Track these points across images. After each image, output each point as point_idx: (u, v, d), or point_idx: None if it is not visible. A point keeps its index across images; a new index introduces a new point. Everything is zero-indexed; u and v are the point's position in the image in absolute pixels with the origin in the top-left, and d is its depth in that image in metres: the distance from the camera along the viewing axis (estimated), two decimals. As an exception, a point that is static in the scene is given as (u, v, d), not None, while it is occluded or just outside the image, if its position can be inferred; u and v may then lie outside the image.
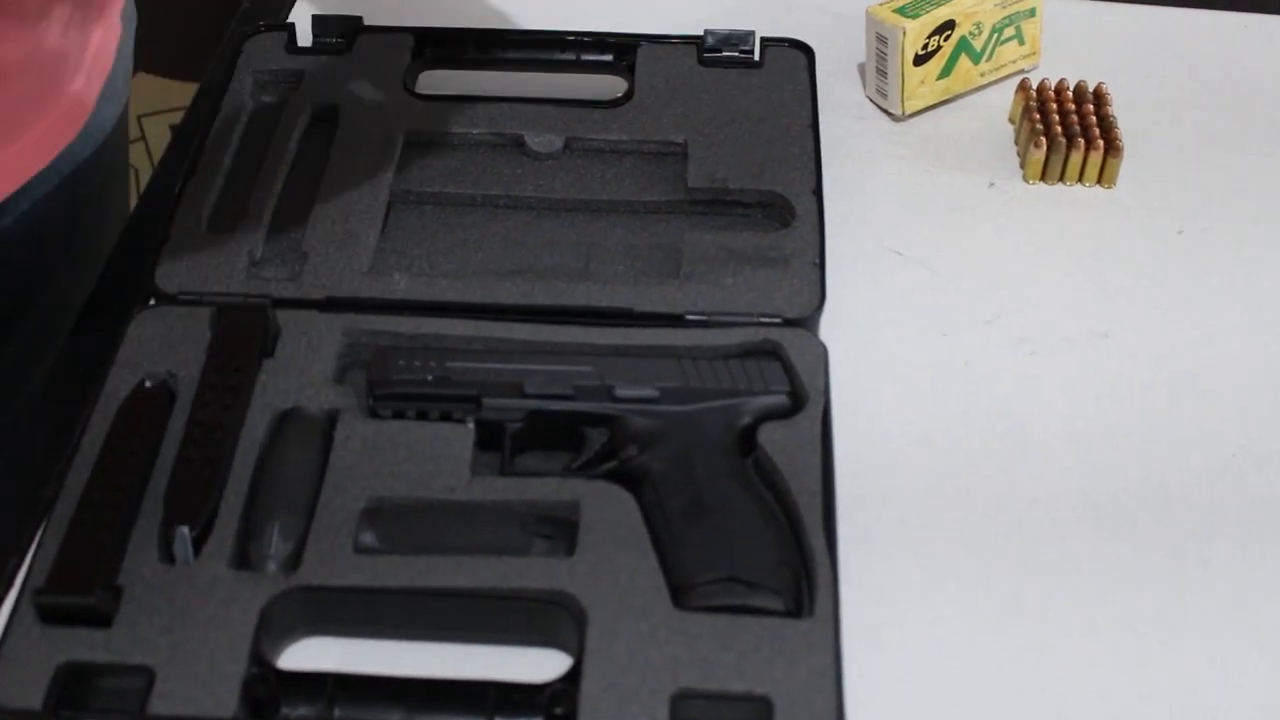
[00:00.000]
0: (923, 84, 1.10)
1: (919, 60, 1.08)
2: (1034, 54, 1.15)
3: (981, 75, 1.13)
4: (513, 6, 1.21)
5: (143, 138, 1.71)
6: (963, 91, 1.13)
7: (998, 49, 1.12)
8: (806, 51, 1.10)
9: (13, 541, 0.81)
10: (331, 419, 0.85)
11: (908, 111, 1.10)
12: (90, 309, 0.98)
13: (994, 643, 0.79)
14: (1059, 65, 1.15)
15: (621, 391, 0.85)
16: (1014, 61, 1.14)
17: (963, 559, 0.83)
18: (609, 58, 1.10)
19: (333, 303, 0.91)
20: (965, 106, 1.13)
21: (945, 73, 1.10)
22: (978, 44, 1.11)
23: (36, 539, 0.80)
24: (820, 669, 0.74)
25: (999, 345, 0.95)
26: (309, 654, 0.78)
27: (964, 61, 1.11)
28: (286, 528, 0.79)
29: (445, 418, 0.85)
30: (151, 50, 1.41)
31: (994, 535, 0.84)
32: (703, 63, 1.09)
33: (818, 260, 0.94)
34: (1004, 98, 1.13)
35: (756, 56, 1.09)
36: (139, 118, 1.55)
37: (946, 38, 1.09)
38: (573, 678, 0.74)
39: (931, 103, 1.11)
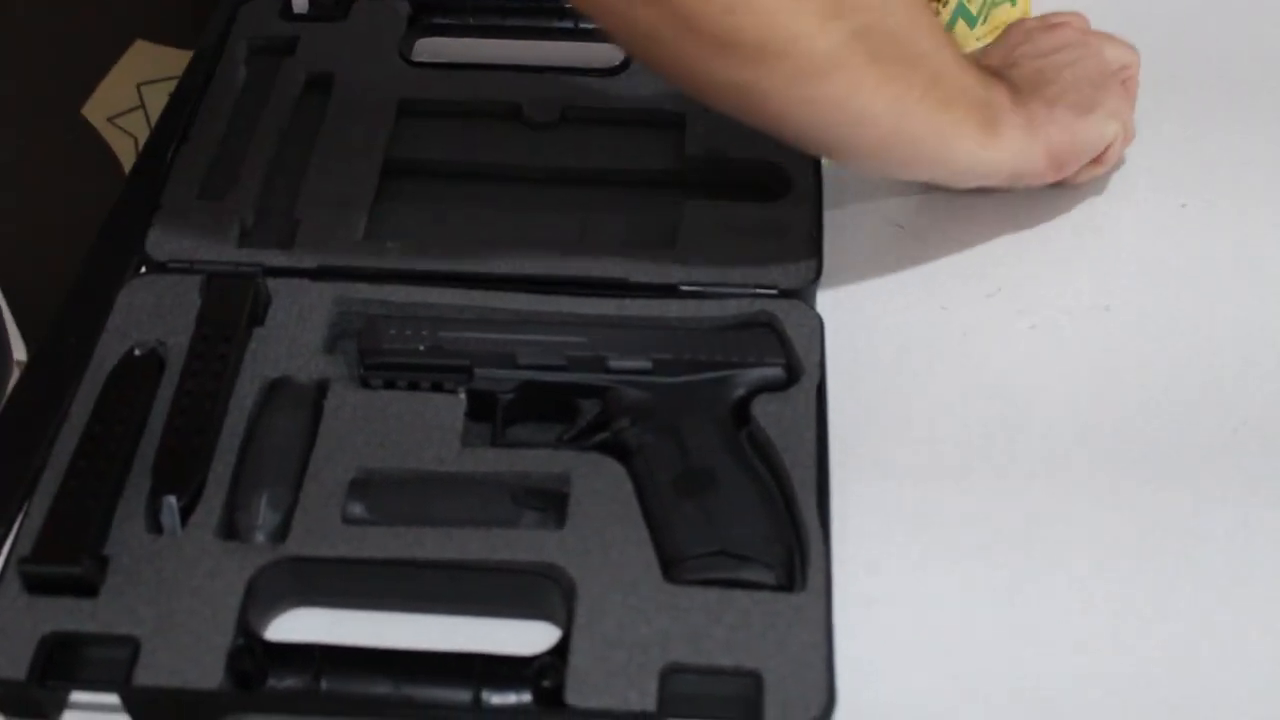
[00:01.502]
0: (924, 53, 1.08)
1: (922, 28, 1.07)
2: (1025, 16, 1.13)
3: (977, 39, 1.12)
4: (511, -26, 1.20)
5: (142, 106, 1.70)
6: (960, 56, 1.12)
7: (992, 11, 1.11)
8: (807, 20, 1.08)
9: (-1, 510, 0.80)
10: (322, 388, 0.84)
11: (909, 80, 1.09)
12: (82, 276, 0.97)
13: (989, 618, 0.78)
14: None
15: (614, 363, 0.84)
16: (1006, 22, 1.13)
17: (958, 534, 0.82)
18: (607, 26, 1.08)
19: (325, 271, 0.90)
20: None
21: (945, 39, 1.09)
22: (973, 7, 1.10)
23: (23, 508, 0.79)
24: (811, 643, 0.73)
25: (999, 319, 0.94)
26: (296, 625, 0.77)
27: (961, 26, 1.10)
28: (275, 498, 0.78)
29: (437, 388, 0.84)
30: (151, 18, 1.40)
31: (990, 510, 0.83)
32: (702, 31, 1.07)
33: (815, 231, 0.93)
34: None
35: (757, 25, 1.07)
36: (138, 86, 1.54)
37: (944, 3, 1.07)
38: (561, 651, 0.73)
39: (932, 70, 1.10)
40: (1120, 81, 0.99)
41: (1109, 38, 1.02)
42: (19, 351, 1.35)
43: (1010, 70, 0.96)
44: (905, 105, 0.84)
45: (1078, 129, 0.94)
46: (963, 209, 1.01)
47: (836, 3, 0.79)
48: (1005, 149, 0.91)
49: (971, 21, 1.10)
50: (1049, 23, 1.03)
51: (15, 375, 1.12)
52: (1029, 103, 0.93)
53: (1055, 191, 1.02)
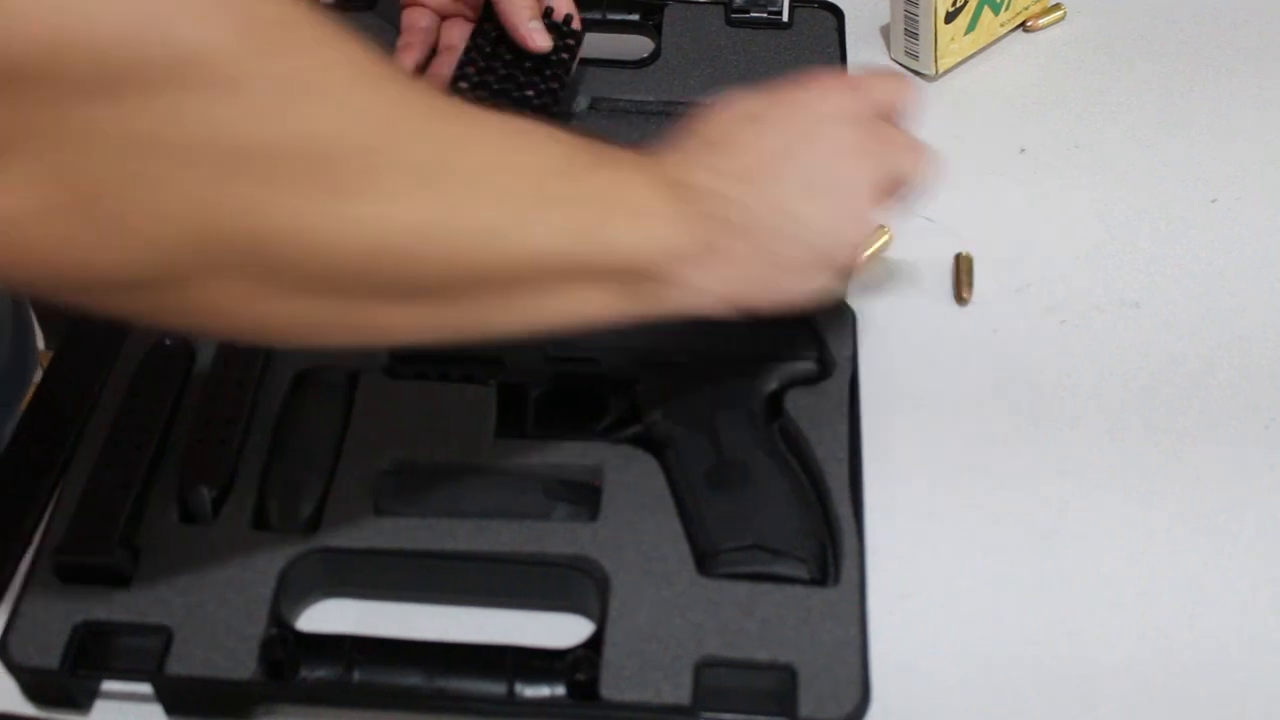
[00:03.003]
0: (953, 41, 1.08)
1: (950, 17, 1.06)
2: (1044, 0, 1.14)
3: (1002, 26, 1.12)
4: (538, -35, 1.19)
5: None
6: (986, 44, 1.12)
7: (1014, -1, 1.12)
8: (836, 13, 1.08)
9: (31, 500, 0.80)
10: (352, 379, 0.84)
11: (941, 70, 1.09)
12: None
13: (1022, 612, 0.78)
14: (1084, 18, 1.14)
15: (646, 355, 0.84)
16: (1027, 8, 1.13)
17: (991, 528, 0.81)
18: (635, 17, 1.08)
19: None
20: (988, 62, 1.12)
21: (971, 27, 1.09)
22: (998, -9, 1.10)
23: (55, 497, 0.79)
24: (845, 638, 0.73)
25: (1028, 314, 0.93)
26: (328, 615, 0.77)
27: (986, 13, 1.10)
28: (306, 488, 0.78)
29: (467, 379, 0.84)
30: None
31: (1022, 505, 0.83)
32: (730, 23, 1.07)
33: (846, 225, 0.92)
34: (1024, 50, 1.12)
35: (785, 17, 1.07)
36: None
37: (968, -13, 1.08)
38: (594, 644, 0.73)
39: (961, 59, 1.10)
40: (886, 138, 0.78)
41: (865, 79, 0.81)
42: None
43: (702, 190, 0.71)
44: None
45: (784, 288, 0.75)
46: (992, 202, 1.00)
47: None
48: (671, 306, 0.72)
49: (996, 8, 1.10)
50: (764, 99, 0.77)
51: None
52: (716, 249, 0.71)
53: (1086, 187, 1.02)
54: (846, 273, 0.77)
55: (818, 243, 0.74)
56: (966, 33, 1.09)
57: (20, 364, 1.08)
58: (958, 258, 0.95)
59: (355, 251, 0.59)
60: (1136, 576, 0.80)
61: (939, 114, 1.07)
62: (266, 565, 0.75)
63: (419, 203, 0.60)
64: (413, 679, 0.73)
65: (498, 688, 0.72)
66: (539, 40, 0.93)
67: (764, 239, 0.72)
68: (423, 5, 1.01)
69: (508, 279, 0.65)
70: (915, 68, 1.10)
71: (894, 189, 0.78)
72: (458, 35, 1.01)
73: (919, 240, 0.97)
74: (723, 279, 0.72)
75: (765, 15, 1.07)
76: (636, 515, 0.78)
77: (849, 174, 0.75)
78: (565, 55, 0.98)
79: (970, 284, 0.94)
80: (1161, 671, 0.76)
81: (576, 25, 0.98)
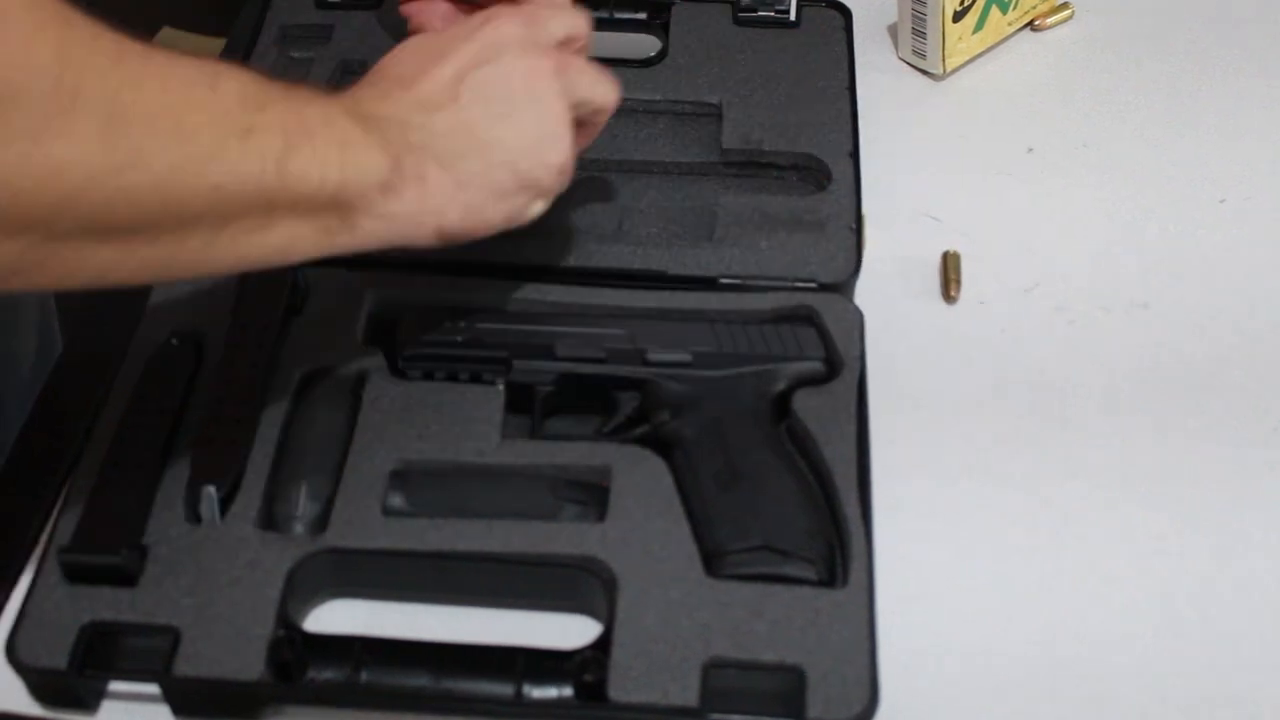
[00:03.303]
0: (960, 40, 1.08)
1: (957, 16, 1.06)
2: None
3: (1009, 25, 1.12)
4: (544, -37, 1.19)
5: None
6: (994, 43, 1.11)
7: (1022, -5, 1.11)
8: (844, 12, 1.08)
9: (38, 499, 0.80)
10: (360, 379, 0.84)
11: (949, 69, 1.08)
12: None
13: (1030, 615, 0.78)
14: (1092, 17, 1.14)
15: (654, 355, 0.84)
16: (1035, 7, 1.13)
17: (998, 529, 0.81)
18: (642, 16, 1.08)
19: (362, 261, 0.89)
20: (996, 61, 1.11)
21: (979, 26, 1.09)
22: (1005, -10, 1.10)
23: (62, 496, 0.79)
24: (853, 639, 0.73)
25: (1036, 314, 0.93)
26: (336, 616, 0.77)
27: (994, 12, 1.09)
28: (314, 489, 0.78)
29: (475, 379, 0.84)
30: (178, 5, 1.39)
31: (1030, 507, 0.83)
32: (738, 22, 1.07)
33: (854, 224, 0.92)
34: (1032, 50, 1.12)
35: (792, 16, 1.07)
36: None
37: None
38: (602, 645, 0.73)
39: (968, 58, 1.10)
40: (567, 63, 0.80)
41: (541, 10, 0.82)
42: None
43: (390, 119, 0.73)
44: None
45: (489, 213, 0.76)
46: (999, 202, 1.00)
47: None
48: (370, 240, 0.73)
49: (1004, 7, 1.10)
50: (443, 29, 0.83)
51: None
52: (412, 176, 0.72)
53: (1094, 186, 1.01)
54: (551, 194, 0.79)
55: (516, 164, 0.76)
56: (974, 32, 1.09)
57: (43, 364, 1.08)
58: (945, 255, 0.95)
59: (43, 193, 0.59)
60: (1145, 578, 0.80)
61: (946, 113, 1.07)
62: (274, 566, 0.75)
63: (102, 144, 0.60)
64: (420, 680, 0.73)
65: (505, 689, 0.72)
66: None
67: (459, 164, 0.74)
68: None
69: (203, 216, 0.65)
70: (923, 67, 1.09)
71: (586, 113, 0.81)
72: None
73: (925, 239, 0.97)
74: (424, 207, 0.73)
75: (773, 14, 1.07)
76: (644, 516, 0.77)
77: (536, 96, 0.77)
78: None
79: (959, 281, 0.93)
80: (1169, 673, 0.75)
81: None
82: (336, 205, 0.70)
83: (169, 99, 0.63)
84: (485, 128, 0.75)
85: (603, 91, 0.81)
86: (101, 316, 0.91)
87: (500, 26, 0.78)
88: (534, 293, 0.88)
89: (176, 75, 0.64)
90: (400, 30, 1.01)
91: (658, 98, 1.01)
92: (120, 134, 0.61)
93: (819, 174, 0.96)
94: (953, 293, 0.93)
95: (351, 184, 0.70)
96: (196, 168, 0.64)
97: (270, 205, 0.67)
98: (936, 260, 0.96)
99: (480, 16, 0.80)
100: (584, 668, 0.72)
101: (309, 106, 0.69)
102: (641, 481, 0.79)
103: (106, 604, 0.74)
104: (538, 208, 0.79)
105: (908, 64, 1.10)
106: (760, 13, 1.07)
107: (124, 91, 0.61)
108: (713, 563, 0.76)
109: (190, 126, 0.63)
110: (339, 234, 0.71)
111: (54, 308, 1.18)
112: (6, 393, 1.05)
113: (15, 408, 0.97)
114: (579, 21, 0.83)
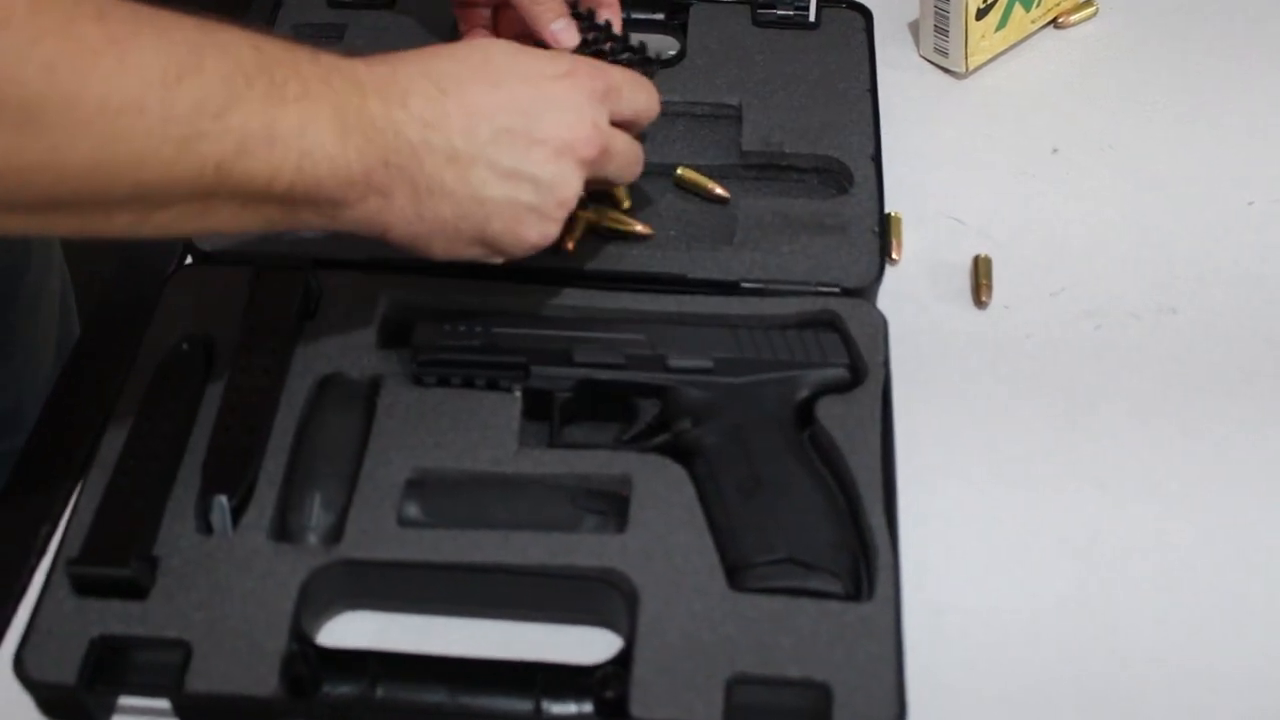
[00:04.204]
0: (984, 38, 1.06)
1: (980, 14, 1.04)
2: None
3: (1033, 22, 1.10)
4: (560, -39, 1.17)
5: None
6: (1016, 41, 1.10)
7: (1046, -6, 1.10)
8: (864, 13, 1.06)
9: (46, 508, 0.78)
10: (374, 385, 0.82)
11: (971, 68, 1.07)
12: (125, 267, 0.95)
13: (1061, 628, 0.76)
14: (1116, 14, 1.12)
15: (674, 361, 0.82)
16: (1058, 4, 1.11)
17: (1028, 540, 0.80)
18: (661, 16, 1.06)
19: (376, 263, 0.88)
20: (1019, 59, 1.10)
21: (1002, 24, 1.07)
22: (1029, -12, 1.08)
23: (70, 506, 0.77)
24: (880, 655, 0.71)
25: (1064, 319, 0.91)
26: (350, 629, 0.75)
27: (1017, 10, 1.08)
28: (328, 498, 0.77)
29: (491, 386, 0.82)
30: (192, 4, 1.37)
31: (1060, 516, 0.81)
32: (757, 23, 1.05)
33: (877, 228, 0.91)
34: (1056, 47, 1.10)
35: (812, 17, 1.05)
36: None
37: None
38: (624, 660, 0.71)
39: (991, 56, 1.08)
40: (607, 153, 0.79)
41: (625, 83, 0.81)
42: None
43: (391, 128, 0.72)
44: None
45: (435, 248, 0.77)
46: (1024, 204, 0.98)
47: None
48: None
49: (1027, 5, 1.08)
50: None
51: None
52: (382, 194, 0.72)
53: (1120, 188, 1.00)
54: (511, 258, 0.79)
55: (487, 226, 0.75)
56: (997, 29, 1.07)
57: (63, 353, 1.08)
58: (976, 260, 0.93)
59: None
60: (1178, 589, 0.78)
61: (969, 113, 1.06)
62: (287, 578, 0.73)
63: (17, 136, 0.61)
64: (437, 696, 0.71)
65: (524, 705, 0.70)
66: (566, 39, 0.91)
67: (431, 200, 0.73)
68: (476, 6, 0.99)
69: (127, 204, 0.66)
70: (945, 65, 1.08)
71: (600, 186, 0.82)
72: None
73: (949, 242, 0.95)
74: (374, 220, 0.73)
75: (792, 15, 1.05)
76: (665, 527, 0.76)
77: (555, 176, 0.76)
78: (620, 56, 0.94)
79: (990, 287, 0.92)
80: (1206, 689, 0.74)
81: (617, 30, 0.95)
82: (282, 201, 0.69)
83: (134, 95, 0.63)
84: (481, 184, 0.74)
85: (626, 173, 0.82)
86: (109, 320, 0.90)
87: (578, 85, 0.77)
88: (552, 296, 0.86)
89: (145, 65, 0.63)
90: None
91: (676, 99, 0.99)
92: (39, 129, 0.61)
93: (840, 177, 0.95)
94: (984, 298, 0.91)
95: (303, 188, 0.69)
96: (117, 168, 0.64)
97: (209, 197, 0.67)
98: (959, 263, 0.94)
99: (567, 62, 0.78)
100: (605, 683, 0.71)
101: (297, 104, 0.68)
102: (662, 491, 0.77)
103: (116, 617, 0.72)
104: (493, 261, 0.78)
105: (929, 62, 1.09)
106: (779, 13, 1.05)
107: (95, 88, 0.62)
108: (736, 575, 0.74)
109: (121, 130, 0.63)
110: (281, 222, 0.71)
111: (73, 304, 1.17)
112: (26, 388, 1.05)
113: (33, 402, 0.97)
114: (652, 105, 0.82)
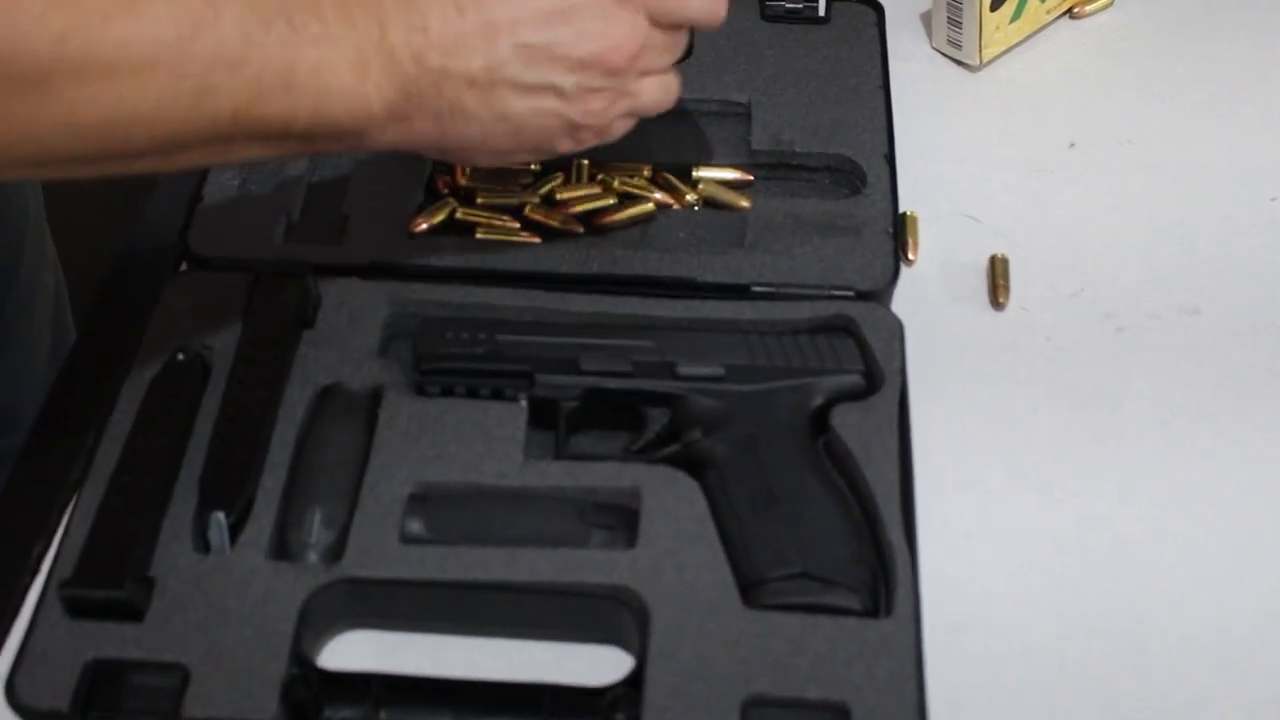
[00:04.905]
0: (998, 30, 1.04)
1: (995, 4, 1.02)
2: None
3: (1048, 12, 1.08)
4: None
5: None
6: (1031, 32, 1.08)
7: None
8: (876, 7, 1.04)
9: (38, 526, 0.76)
10: (375, 396, 0.80)
11: (985, 60, 1.04)
12: (119, 272, 0.93)
13: (1087, 645, 0.74)
14: (1133, 4, 1.10)
15: (684, 369, 0.80)
16: None
17: (1052, 554, 0.77)
18: (666, 11, 1.04)
19: (377, 269, 0.86)
20: (1034, 50, 1.08)
21: (1017, 15, 1.05)
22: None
23: (63, 523, 0.75)
24: (900, 673, 0.69)
25: (1084, 321, 0.89)
26: (352, 650, 0.73)
27: (1032, 1, 1.05)
28: (328, 515, 0.74)
29: (496, 395, 0.80)
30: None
31: (1082, 525, 0.79)
32: (765, 17, 1.03)
33: (891, 229, 0.89)
34: (1071, 38, 1.08)
35: (822, 12, 1.03)
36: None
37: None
38: (635, 681, 0.69)
39: (1006, 48, 1.06)
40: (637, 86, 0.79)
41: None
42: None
43: (415, 56, 0.72)
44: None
45: (476, 159, 0.79)
46: (1040, 201, 0.96)
47: None
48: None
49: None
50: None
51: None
52: (405, 120, 0.74)
53: (1138, 184, 0.97)
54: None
55: (517, 142, 0.77)
56: (1012, 20, 1.05)
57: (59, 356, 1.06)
58: (993, 260, 0.91)
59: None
60: (1210, 604, 0.76)
61: (984, 106, 1.03)
62: (287, 598, 0.71)
63: (89, 97, 0.64)
64: (442, 718, 0.69)
65: (532, 728, 0.68)
66: None
67: (457, 123, 0.75)
68: None
69: (146, 153, 0.68)
70: (958, 57, 1.05)
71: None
72: None
73: (964, 241, 0.93)
74: (399, 142, 0.75)
75: (802, 10, 1.03)
76: (676, 541, 0.74)
77: (575, 93, 0.76)
78: None
79: (1007, 288, 0.89)
80: (1239, 710, 0.71)
81: None
82: (302, 138, 0.72)
83: (157, 52, 0.65)
84: (503, 103, 0.75)
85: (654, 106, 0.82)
86: (104, 326, 0.88)
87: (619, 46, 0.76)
88: (557, 302, 0.84)
89: (160, 21, 0.65)
90: None
91: (684, 96, 0.97)
92: (107, 87, 0.64)
93: (853, 176, 0.93)
94: (1001, 299, 0.89)
95: (321, 127, 0.71)
96: (133, 125, 0.66)
97: (229, 140, 0.69)
98: (975, 263, 0.92)
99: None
100: (615, 706, 0.68)
101: (314, 47, 0.69)
102: (673, 504, 0.75)
103: (111, 640, 0.70)
104: (543, 159, 0.82)
105: (942, 54, 1.06)
106: (789, 8, 1.03)
107: (115, 46, 0.64)
108: (750, 591, 0.72)
109: (135, 89, 0.65)
110: (304, 153, 0.78)
111: (67, 302, 1.15)
112: (23, 386, 1.04)
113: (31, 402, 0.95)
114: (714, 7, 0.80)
